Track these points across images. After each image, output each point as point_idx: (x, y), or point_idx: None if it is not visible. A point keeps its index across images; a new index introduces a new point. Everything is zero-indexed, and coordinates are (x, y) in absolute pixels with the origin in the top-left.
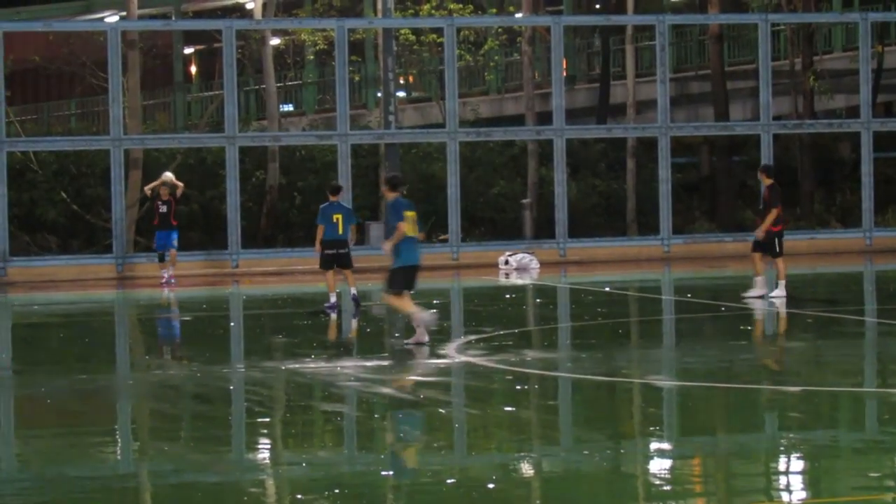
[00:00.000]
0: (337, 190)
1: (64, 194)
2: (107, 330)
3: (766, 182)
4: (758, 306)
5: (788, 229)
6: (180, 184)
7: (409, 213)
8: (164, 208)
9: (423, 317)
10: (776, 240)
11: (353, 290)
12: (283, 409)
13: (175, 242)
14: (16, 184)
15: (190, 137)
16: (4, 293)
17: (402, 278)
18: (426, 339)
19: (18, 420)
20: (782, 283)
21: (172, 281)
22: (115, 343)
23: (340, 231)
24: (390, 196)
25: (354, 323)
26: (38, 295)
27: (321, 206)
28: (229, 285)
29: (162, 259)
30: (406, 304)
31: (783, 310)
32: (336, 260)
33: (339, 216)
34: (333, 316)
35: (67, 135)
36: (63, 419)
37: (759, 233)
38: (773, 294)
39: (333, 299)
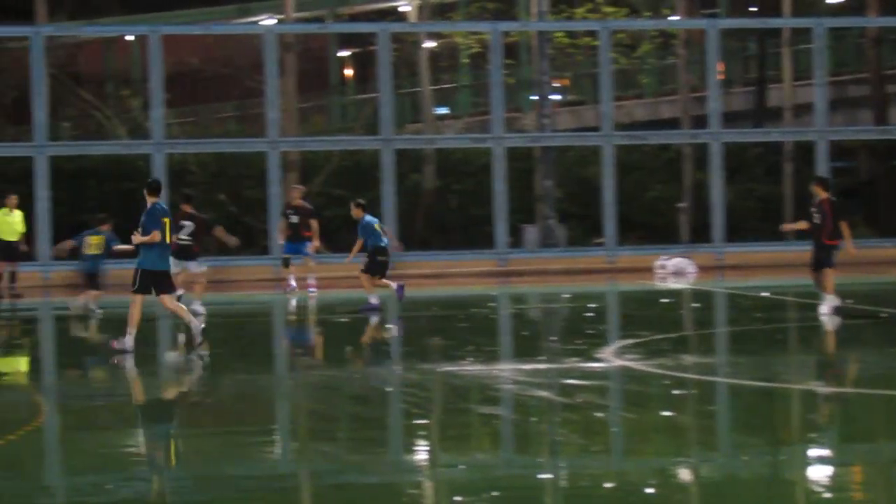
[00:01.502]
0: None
1: (222, 196)
2: (265, 331)
3: (821, 195)
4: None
5: None
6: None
7: (165, 220)
8: (294, 218)
9: (127, 340)
10: (831, 253)
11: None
12: (441, 412)
13: (307, 250)
14: (175, 185)
15: (345, 140)
16: None
17: (148, 281)
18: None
19: (179, 419)
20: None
21: (314, 289)
22: (274, 344)
23: (383, 239)
24: (150, 201)
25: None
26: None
27: (366, 221)
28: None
29: (287, 265)
30: (136, 309)
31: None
32: (387, 265)
33: (379, 226)
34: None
35: (225, 137)
36: (223, 419)
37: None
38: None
39: (375, 300)
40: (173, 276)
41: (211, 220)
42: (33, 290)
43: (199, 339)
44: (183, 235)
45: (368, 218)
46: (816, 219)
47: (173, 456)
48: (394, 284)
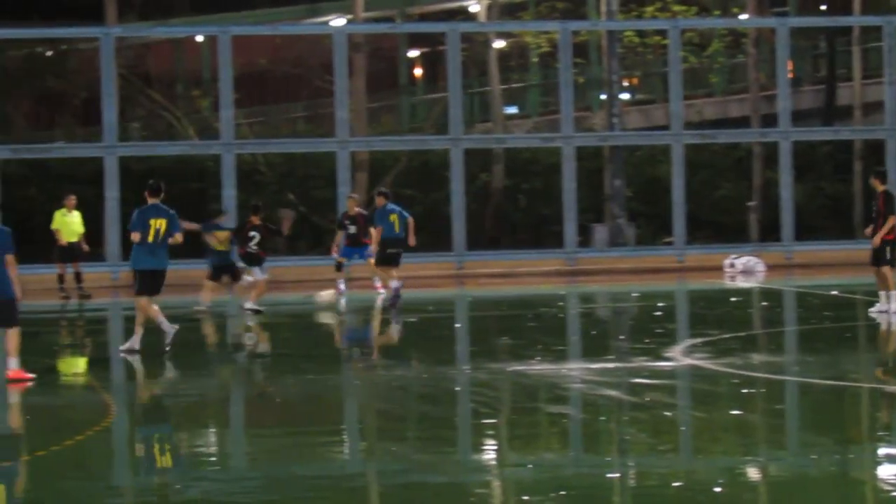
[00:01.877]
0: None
1: (291, 196)
2: (329, 331)
3: (879, 188)
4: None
5: None
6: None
7: (152, 222)
8: (352, 228)
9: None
10: (888, 248)
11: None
12: (509, 411)
13: (367, 253)
14: (244, 185)
15: (415, 139)
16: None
17: (149, 282)
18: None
19: (248, 419)
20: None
21: (383, 290)
22: (341, 344)
23: (397, 230)
24: (150, 202)
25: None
26: (265, 296)
27: (387, 209)
28: (454, 287)
29: (340, 268)
30: (149, 309)
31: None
32: (398, 257)
33: (395, 216)
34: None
35: (294, 137)
36: (291, 418)
37: (876, 240)
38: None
39: (396, 283)
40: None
41: (276, 228)
42: (101, 290)
43: (168, 341)
44: (252, 245)
45: (390, 206)
46: (875, 213)
47: (242, 456)
48: (394, 283)
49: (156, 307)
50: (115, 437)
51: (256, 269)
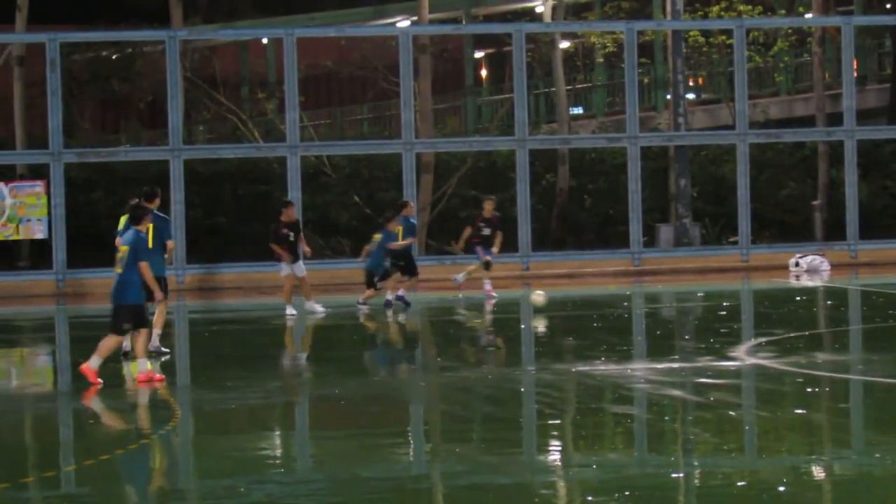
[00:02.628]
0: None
1: (357, 198)
2: (399, 333)
3: None
4: None
5: None
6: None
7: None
8: (487, 230)
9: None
10: None
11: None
12: (574, 412)
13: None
14: (309, 187)
15: (480, 140)
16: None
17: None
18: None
19: (313, 421)
20: None
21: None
22: (407, 345)
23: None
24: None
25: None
26: (331, 298)
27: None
28: (520, 288)
29: (488, 266)
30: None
31: None
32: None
33: (400, 228)
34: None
35: (360, 139)
36: (356, 420)
37: None
38: None
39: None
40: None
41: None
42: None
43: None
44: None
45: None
46: None
47: (307, 458)
48: (389, 295)
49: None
50: (180, 440)
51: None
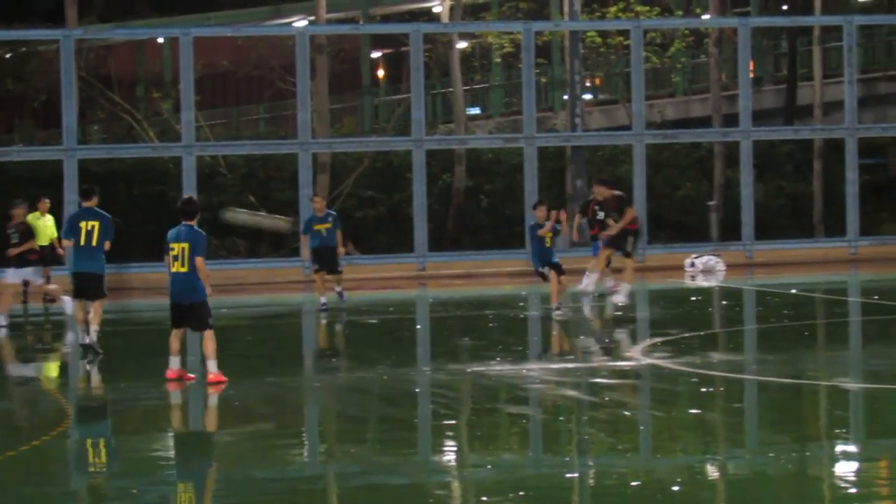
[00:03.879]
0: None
1: (252, 198)
2: (294, 333)
3: None
4: None
5: None
6: None
7: (82, 224)
8: (601, 214)
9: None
10: None
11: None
12: (469, 412)
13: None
14: (205, 187)
15: (377, 141)
16: None
17: (76, 284)
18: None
19: (207, 422)
20: None
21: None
22: (302, 346)
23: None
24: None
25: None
26: (226, 298)
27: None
28: (416, 288)
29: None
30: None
31: None
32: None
33: (324, 226)
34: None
35: (256, 139)
36: (251, 421)
37: None
38: None
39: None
40: None
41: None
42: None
43: (85, 342)
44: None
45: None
46: None
47: (201, 459)
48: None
49: (82, 314)
50: (72, 441)
51: None
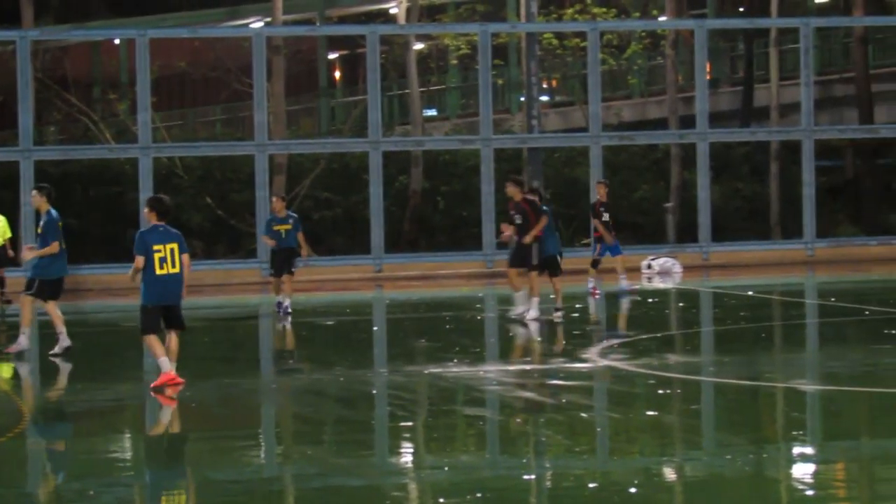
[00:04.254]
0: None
1: (209, 199)
2: (251, 334)
3: None
4: None
5: None
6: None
7: (59, 225)
8: (606, 216)
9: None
10: None
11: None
12: (426, 414)
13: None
14: (161, 189)
15: (334, 142)
16: None
17: (46, 288)
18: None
19: (164, 423)
20: None
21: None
22: (259, 347)
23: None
24: (46, 209)
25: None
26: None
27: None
28: (372, 289)
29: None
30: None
31: None
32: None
33: (283, 227)
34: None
35: (212, 140)
36: (208, 423)
37: None
38: None
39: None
40: None
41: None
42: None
43: (60, 348)
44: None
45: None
46: None
47: (158, 461)
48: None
49: (30, 316)
50: (28, 443)
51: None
